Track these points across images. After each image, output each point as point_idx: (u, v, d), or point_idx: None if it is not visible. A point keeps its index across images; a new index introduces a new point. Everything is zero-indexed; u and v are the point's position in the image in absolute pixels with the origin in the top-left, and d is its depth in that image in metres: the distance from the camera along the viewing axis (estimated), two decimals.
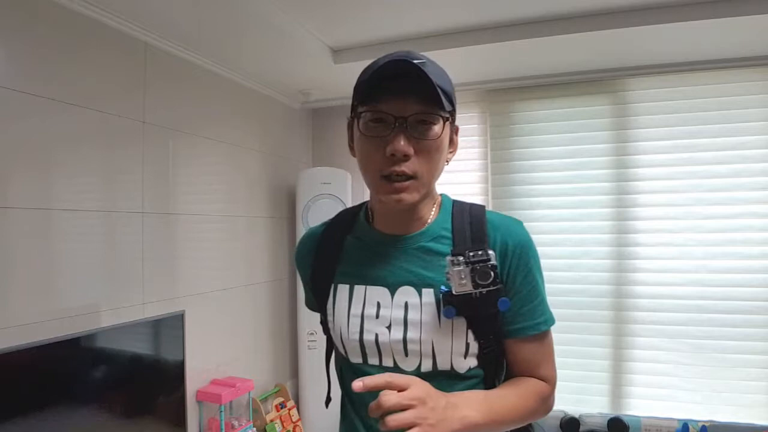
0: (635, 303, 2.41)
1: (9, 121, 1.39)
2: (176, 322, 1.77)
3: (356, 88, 0.77)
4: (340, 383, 0.90)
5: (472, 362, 0.79)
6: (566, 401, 2.47)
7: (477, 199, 2.65)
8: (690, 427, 2.23)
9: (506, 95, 2.62)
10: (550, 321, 0.83)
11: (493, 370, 0.81)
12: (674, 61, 2.30)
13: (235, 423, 2.14)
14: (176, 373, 1.77)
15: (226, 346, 2.27)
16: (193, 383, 1.96)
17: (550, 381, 0.84)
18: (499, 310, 0.76)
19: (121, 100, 1.75)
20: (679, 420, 2.25)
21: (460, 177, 2.70)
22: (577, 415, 2.36)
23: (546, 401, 0.82)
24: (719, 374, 2.29)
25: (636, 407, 2.40)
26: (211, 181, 2.24)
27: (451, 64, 2.56)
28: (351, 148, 0.83)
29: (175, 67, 2.00)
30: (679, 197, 2.35)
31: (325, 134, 3.06)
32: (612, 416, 2.29)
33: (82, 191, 1.63)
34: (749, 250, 2.26)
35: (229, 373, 2.23)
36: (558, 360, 2.63)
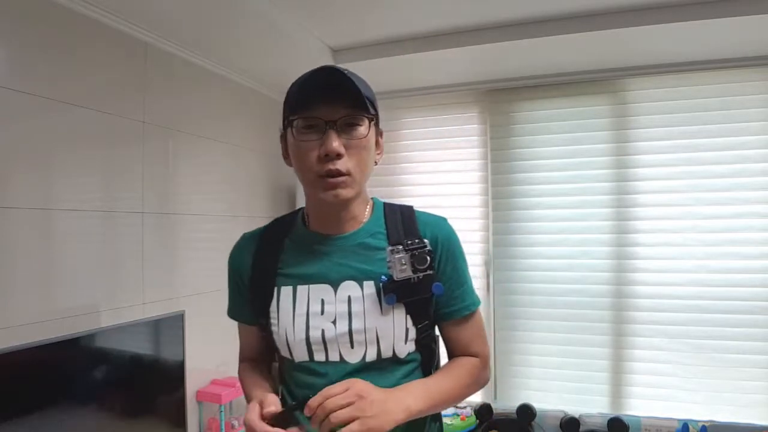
0: (635, 303, 2.40)
1: (9, 121, 1.39)
2: (176, 322, 1.77)
3: (286, 101, 0.83)
4: (281, 382, 0.94)
5: (411, 347, 0.87)
6: (566, 401, 2.47)
7: (477, 200, 2.65)
8: (690, 427, 2.23)
9: (506, 95, 2.62)
10: (477, 302, 0.93)
11: (429, 354, 0.91)
12: (674, 61, 2.30)
13: (235, 423, 2.14)
14: (176, 373, 1.76)
15: (226, 346, 2.26)
16: (193, 383, 1.96)
17: (482, 356, 0.93)
18: (434, 293, 0.84)
19: (121, 100, 1.75)
20: (679, 420, 2.25)
21: (460, 177, 2.69)
22: (577, 415, 2.36)
23: (478, 374, 0.92)
24: (719, 374, 2.28)
25: (636, 407, 2.40)
26: (211, 181, 2.24)
27: (451, 64, 2.57)
28: (285, 158, 0.89)
29: (175, 67, 2.00)
30: (679, 197, 2.35)
31: None
32: (612, 416, 2.29)
33: (82, 191, 1.63)
34: (749, 250, 2.26)
35: (229, 373, 2.23)
36: (558, 360, 2.66)
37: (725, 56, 2.23)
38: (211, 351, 2.16)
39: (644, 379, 2.40)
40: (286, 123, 0.84)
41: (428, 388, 0.83)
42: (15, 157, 1.42)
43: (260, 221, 2.55)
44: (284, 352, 0.88)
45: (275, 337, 0.88)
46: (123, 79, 1.76)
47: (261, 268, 0.90)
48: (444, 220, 0.93)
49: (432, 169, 2.72)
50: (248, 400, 0.91)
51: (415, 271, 0.81)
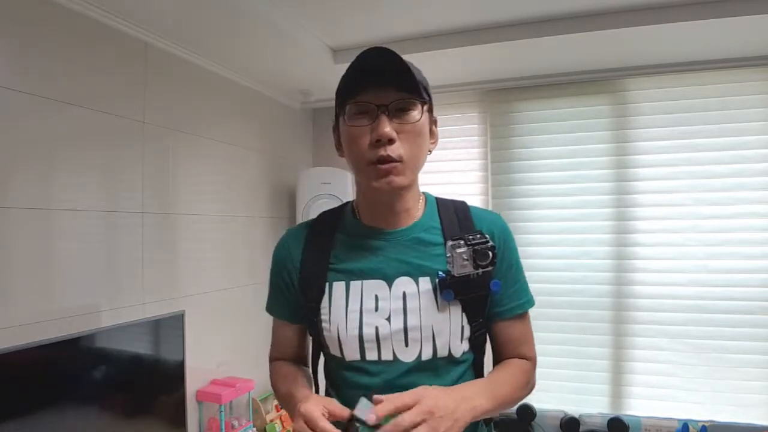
0: (635, 303, 2.41)
1: (9, 121, 1.39)
2: (176, 322, 1.77)
3: (337, 92, 0.82)
4: (328, 383, 0.91)
5: (466, 346, 0.84)
6: (566, 401, 2.47)
7: (477, 200, 2.65)
8: (690, 427, 2.23)
9: (506, 95, 2.62)
10: (532, 300, 0.91)
11: (480, 355, 0.88)
12: (674, 61, 2.30)
13: (235, 423, 2.14)
14: (176, 373, 1.76)
15: (226, 346, 2.27)
16: (193, 383, 1.96)
17: (532, 359, 0.91)
18: (491, 290, 0.82)
19: (121, 100, 1.75)
20: (679, 420, 2.25)
21: (460, 177, 2.69)
22: (577, 415, 2.36)
23: (531, 378, 0.90)
24: (719, 374, 2.28)
25: (636, 407, 2.40)
26: (211, 181, 2.24)
27: (451, 64, 2.57)
28: (338, 149, 0.87)
29: (175, 67, 2.00)
30: (679, 197, 2.35)
31: (325, 134, 3.05)
32: (612, 416, 2.29)
33: (82, 191, 1.63)
34: (749, 250, 2.26)
35: (229, 373, 2.23)
36: (558, 360, 2.67)
37: (725, 56, 2.23)
38: (211, 351, 2.16)
39: (644, 379, 2.40)
40: (338, 111, 0.82)
41: (493, 388, 0.80)
42: (15, 157, 1.42)
43: (260, 221, 2.56)
44: (334, 351, 0.85)
45: (325, 334, 0.84)
46: (123, 79, 1.76)
47: (311, 263, 0.86)
48: (499, 216, 0.92)
49: (432, 169, 2.71)
50: (289, 399, 0.84)
51: (476, 267, 0.78)
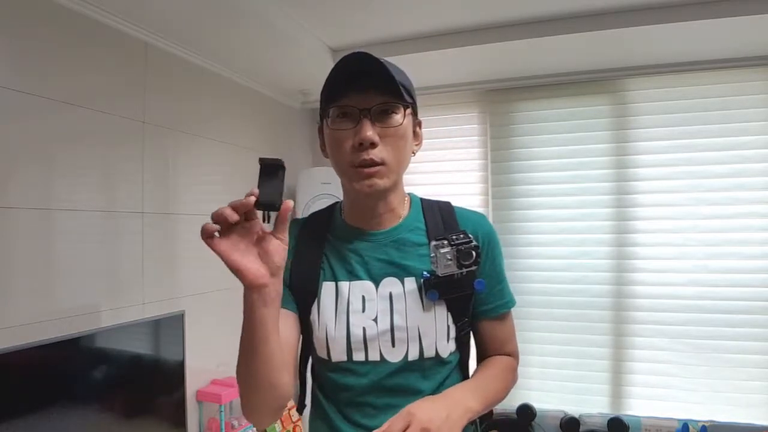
0: (635, 303, 2.41)
1: (9, 121, 1.39)
2: (176, 322, 1.77)
3: (321, 94, 0.81)
4: (315, 385, 0.90)
5: (452, 346, 0.85)
6: (566, 401, 2.47)
7: (477, 199, 2.65)
8: (690, 427, 2.23)
9: (506, 95, 2.62)
10: (514, 300, 0.93)
11: (466, 354, 0.89)
12: (674, 61, 2.30)
13: (235, 423, 2.14)
14: (176, 373, 1.76)
15: (226, 346, 2.26)
16: (193, 383, 1.96)
17: (515, 355, 0.95)
18: (476, 290, 0.83)
19: (121, 100, 1.75)
20: (679, 420, 2.25)
21: (460, 177, 2.69)
22: (577, 415, 2.36)
23: (515, 373, 0.93)
24: (719, 374, 2.29)
25: (636, 407, 2.40)
26: (211, 181, 2.24)
27: (451, 64, 2.57)
28: (322, 150, 0.88)
29: (175, 67, 2.00)
30: (679, 197, 2.35)
31: None
32: (612, 416, 2.29)
33: (82, 191, 1.63)
34: (749, 250, 2.26)
35: (229, 373, 2.23)
36: (558, 360, 2.67)
37: (725, 56, 2.23)
38: (211, 351, 2.16)
39: (644, 379, 2.40)
40: (322, 113, 0.83)
41: (483, 389, 0.81)
42: (15, 157, 1.42)
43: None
44: (321, 352, 0.85)
45: (315, 334, 0.84)
46: (123, 79, 1.76)
47: (302, 263, 0.86)
48: (483, 216, 0.93)
49: (432, 169, 2.72)
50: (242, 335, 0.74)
51: (460, 266, 0.78)
